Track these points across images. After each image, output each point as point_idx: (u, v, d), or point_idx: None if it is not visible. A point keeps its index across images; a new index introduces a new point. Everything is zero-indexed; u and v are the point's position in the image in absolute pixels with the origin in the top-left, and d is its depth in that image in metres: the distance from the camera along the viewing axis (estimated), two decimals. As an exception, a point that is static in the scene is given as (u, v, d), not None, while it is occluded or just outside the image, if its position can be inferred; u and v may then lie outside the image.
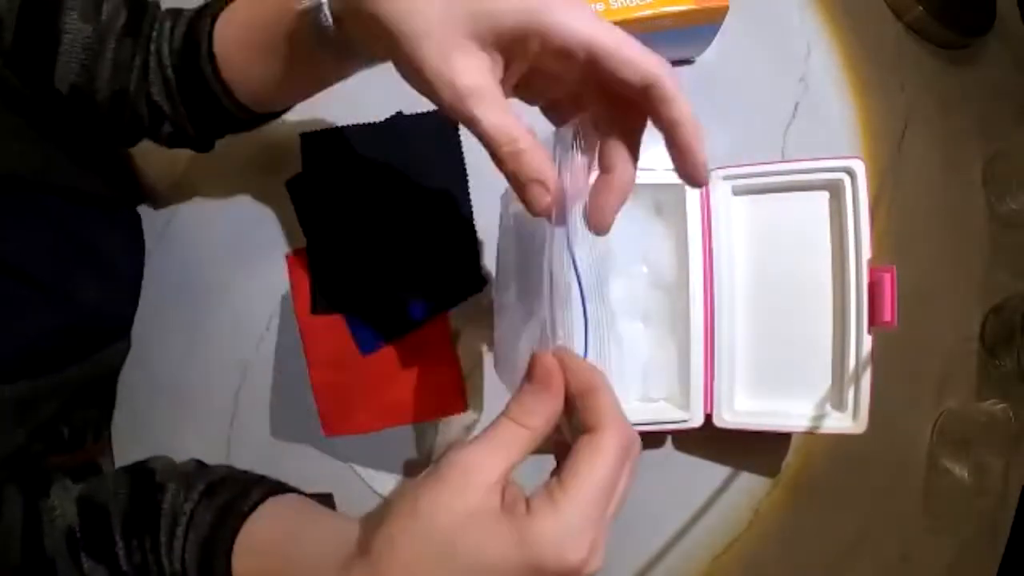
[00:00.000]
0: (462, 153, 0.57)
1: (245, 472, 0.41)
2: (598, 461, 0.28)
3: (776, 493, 0.54)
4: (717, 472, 0.54)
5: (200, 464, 0.42)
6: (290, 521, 0.37)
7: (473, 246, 0.55)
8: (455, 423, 0.53)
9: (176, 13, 0.42)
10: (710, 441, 0.51)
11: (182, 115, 0.43)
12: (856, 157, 0.47)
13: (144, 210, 0.59)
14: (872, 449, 0.54)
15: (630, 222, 0.51)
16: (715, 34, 0.52)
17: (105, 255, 0.53)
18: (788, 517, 0.54)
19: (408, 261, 0.55)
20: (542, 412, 0.29)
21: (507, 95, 0.33)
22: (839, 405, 0.48)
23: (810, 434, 0.48)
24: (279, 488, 0.39)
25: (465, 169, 0.56)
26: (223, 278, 0.57)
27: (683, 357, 0.49)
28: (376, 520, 0.28)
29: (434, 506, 0.26)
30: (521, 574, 0.26)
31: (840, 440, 0.52)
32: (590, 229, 0.33)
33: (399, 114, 0.57)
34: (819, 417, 0.48)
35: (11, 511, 0.38)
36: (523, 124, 0.31)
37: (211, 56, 0.39)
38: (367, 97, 0.58)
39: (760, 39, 0.58)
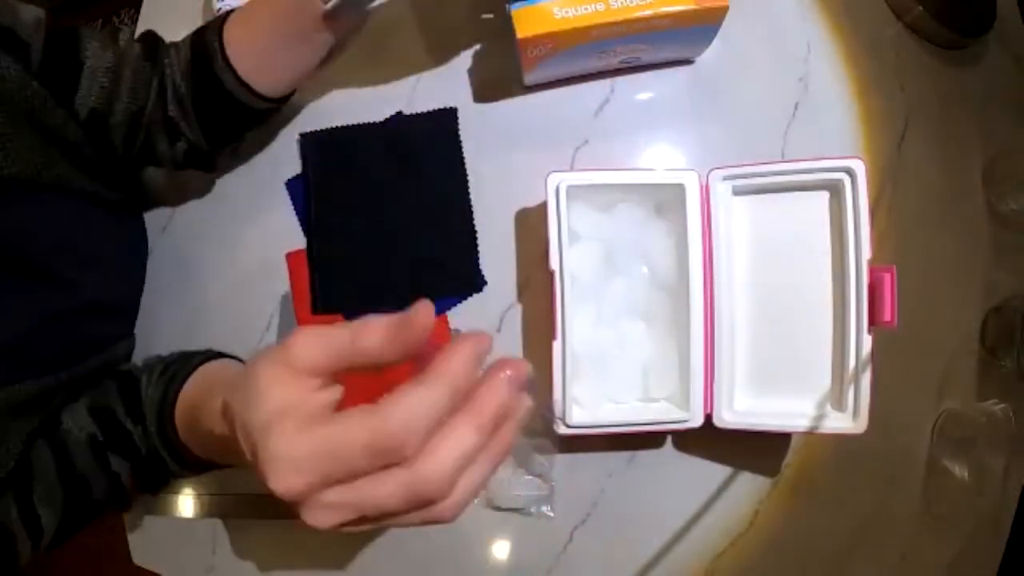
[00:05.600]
0: (462, 153, 0.57)
1: (196, 352, 0.46)
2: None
3: (776, 493, 0.54)
4: (717, 472, 0.54)
5: (157, 357, 0.48)
6: (213, 375, 0.42)
7: (473, 246, 0.55)
8: None
9: (178, 43, 0.48)
10: (710, 441, 0.51)
11: (196, 130, 0.47)
12: (856, 157, 0.47)
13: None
14: (872, 449, 0.54)
15: (630, 222, 0.51)
16: (715, 34, 0.52)
17: (111, 255, 0.53)
18: (788, 517, 0.54)
19: (408, 261, 0.55)
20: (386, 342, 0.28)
21: None
22: (839, 405, 0.48)
23: (810, 434, 0.48)
24: (216, 355, 0.46)
25: (465, 169, 0.56)
26: (223, 278, 0.57)
27: (683, 357, 0.49)
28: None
29: (258, 359, 0.27)
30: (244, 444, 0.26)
31: (840, 440, 0.52)
32: None
33: (399, 114, 0.57)
34: (819, 417, 0.48)
35: (45, 461, 0.42)
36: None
37: (225, 57, 0.44)
38: (367, 97, 0.59)
39: (760, 39, 0.58)
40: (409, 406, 0.24)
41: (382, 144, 0.57)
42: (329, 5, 0.40)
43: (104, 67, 0.43)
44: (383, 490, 0.24)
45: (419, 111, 0.57)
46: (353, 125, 0.57)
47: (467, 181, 0.56)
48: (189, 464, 0.43)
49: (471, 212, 0.56)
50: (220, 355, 0.46)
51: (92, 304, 0.49)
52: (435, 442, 0.24)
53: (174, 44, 0.47)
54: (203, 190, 0.59)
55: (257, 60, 0.45)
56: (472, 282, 0.55)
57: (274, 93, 0.48)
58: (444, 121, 0.57)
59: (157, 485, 0.46)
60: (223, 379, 0.40)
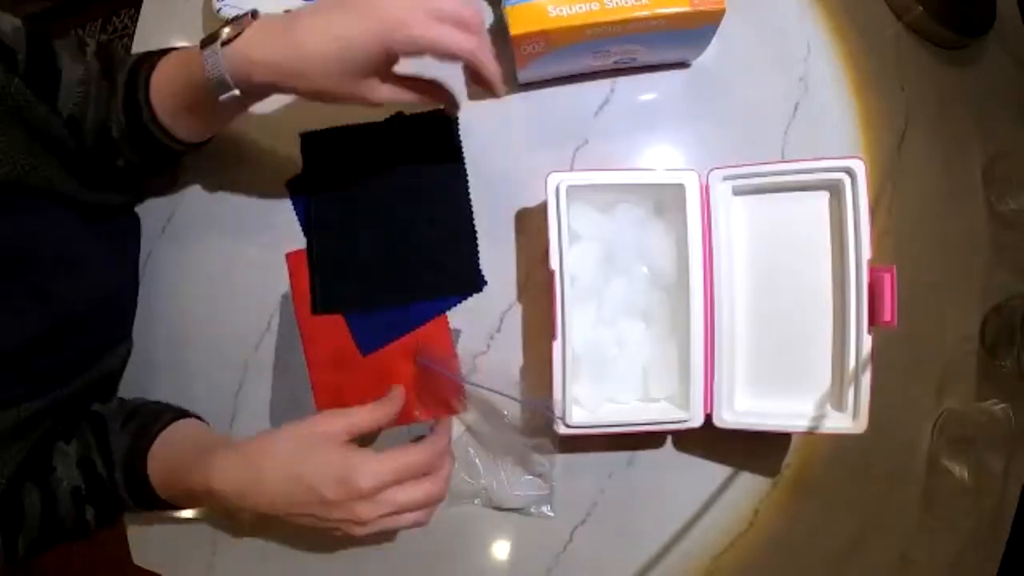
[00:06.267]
0: (462, 153, 0.57)
1: (157, 403, 0.53)
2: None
3: (776, 493, 0.54)
4: (717, 472, 0.54)
5: (123, 399, 0.54)
6: (192, 433, 0.50)
7: (473, 246, 0.55)
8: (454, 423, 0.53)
9: (121, 70, 0.47)
10: (710, 441, 0.51)
11: (133, 154, 0.49)
12: (856, 157, 0.47)
13: (144, 210, 0.60)
14: (872, 449, 0.54)
15: (630, 222, 0.51)
16: (711, 37, 0.52)
17: (103, 260, 0.53)
18: (788, 517, 0.54)
19: (408, 261, 0.55)
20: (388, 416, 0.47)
21: None
22: (839, 405, 0.48)
23: (810, 434, 0.48)
24: (183, 414, 0.52)
25: (465, 169, 0.56)
26: (223, 278, 0.57)
27: (683, 357, 0.49)
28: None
29: (287, 428, 0.44)
30: (333, 478, 0.41)
31: (840, 440, 0.52)
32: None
33: (399, 114, 0.57)
34: (819, 417, 0.48)
35: (32, 505, 0.45)
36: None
37: (150, 109, 0.45)
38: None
39: (760, 39, 0.58)
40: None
41: (383, 145, 0.57)
42: (223, 97, 0.42)
43: (76, 79, 0.45)
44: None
45: (419, 111, 0.57)
46: (354, 125, 0.57)
47: (467, 181, 0.56)
48: (154, 507, 0.48)
49: (471, 212, 0.56)
50: (183, 413, 0.52)
51: (82, 314, 0.49)
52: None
53: (123, 65, 0.47)
54: (203, 190, 0.59)
55: (173, 118, 0.46)
56: (472, 282, 0.55)
57: (198, 140, 0.50)
58: (443, 122, 0.57)
59: (114, 519, 0.50)
60: (205, 447, 0.46)
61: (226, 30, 0.41)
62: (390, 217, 0.56)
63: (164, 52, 0.47)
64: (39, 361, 0.45)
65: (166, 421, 0.49)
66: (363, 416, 0.45)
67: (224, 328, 0.57)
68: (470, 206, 0.56)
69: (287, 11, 0.43)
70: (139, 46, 0.64)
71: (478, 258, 0.55)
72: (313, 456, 0.42)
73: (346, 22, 0.40)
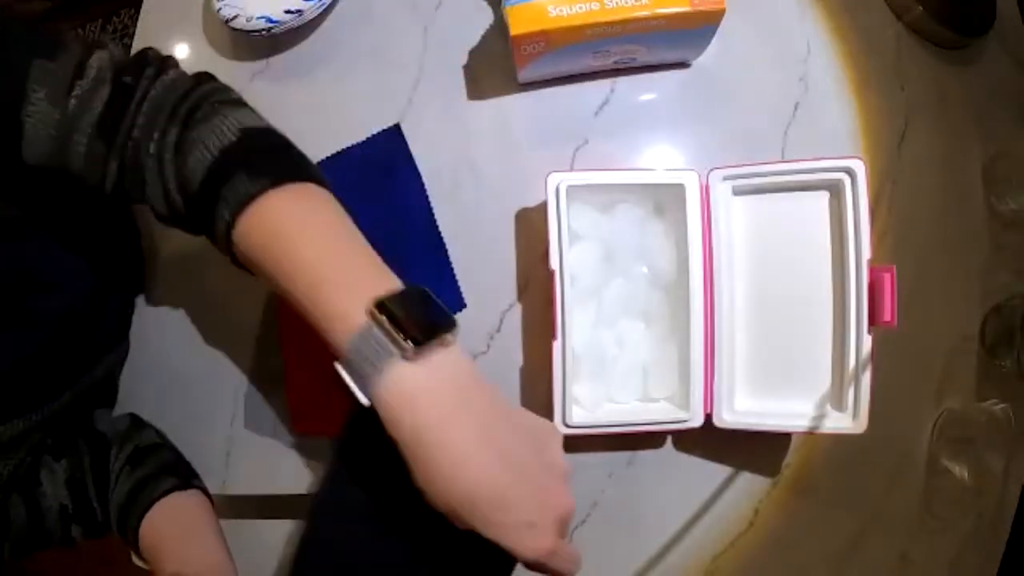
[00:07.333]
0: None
1: (168, 455, 0.53)
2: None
3: (776, 493, 0.54)
4: (717, 472, 0.54)
5: (134, 423, 0.53)
6: (180, 518, 0.49)
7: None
8: None
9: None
10: (710, 441, 0.51)
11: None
12: (856, 157, 0.47)
13: (143, 210, 0.60)
14: (872, 449, 0.54)
15: (630, 222, 0.51)
16: (711, 38, 0.52)
17: (96, 267, 0.52)
18: (788, 517, 0.54)
19: None
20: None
21: None
22: (839, 405, 0.48)
23: (810, 434, 0.48)
24: (184, 484, 0.51)
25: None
26: (222, 278, 0.57)
27: (683, 357, 0.49)
28: None
29: None
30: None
31: (840, 440, 0.52)
32: None
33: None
34: (819, 417, 0.48)
35: (18, 516, 0.46)
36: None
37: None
38: (368, 98, 0.58)
39: (760, 39, 0.58)
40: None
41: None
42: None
43: (46, 135, 0.35)
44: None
45: (419, 111, 0.57)
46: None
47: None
48: (136, 552, 0.49)
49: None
50: (186, 481, 0.51)
51: (71, 329, 0.48)
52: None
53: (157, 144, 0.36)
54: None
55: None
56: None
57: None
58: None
59: (103, 535, 0.51)
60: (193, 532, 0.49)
61: (427, 347, 0.31)
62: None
63: (276, 174, 0.35)
64: (27, 379, 0.45)
65: (167, 488, 0.50)
66: None
67: (223, 328, 0.57)
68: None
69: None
70: (139, 46, 0.64)
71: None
72: None
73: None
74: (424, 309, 0.32)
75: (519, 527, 0.30)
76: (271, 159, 0.37)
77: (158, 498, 0.49)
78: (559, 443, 0.34)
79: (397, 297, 0.32)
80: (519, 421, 0.33)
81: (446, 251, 0.55)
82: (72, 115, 0.35)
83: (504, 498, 0.30)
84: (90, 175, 0.37)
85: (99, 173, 0.37)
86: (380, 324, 0.30)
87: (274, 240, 0.34)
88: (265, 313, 0.56)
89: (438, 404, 0.30)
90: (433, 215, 0.55)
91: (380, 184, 0.55)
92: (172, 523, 0.49)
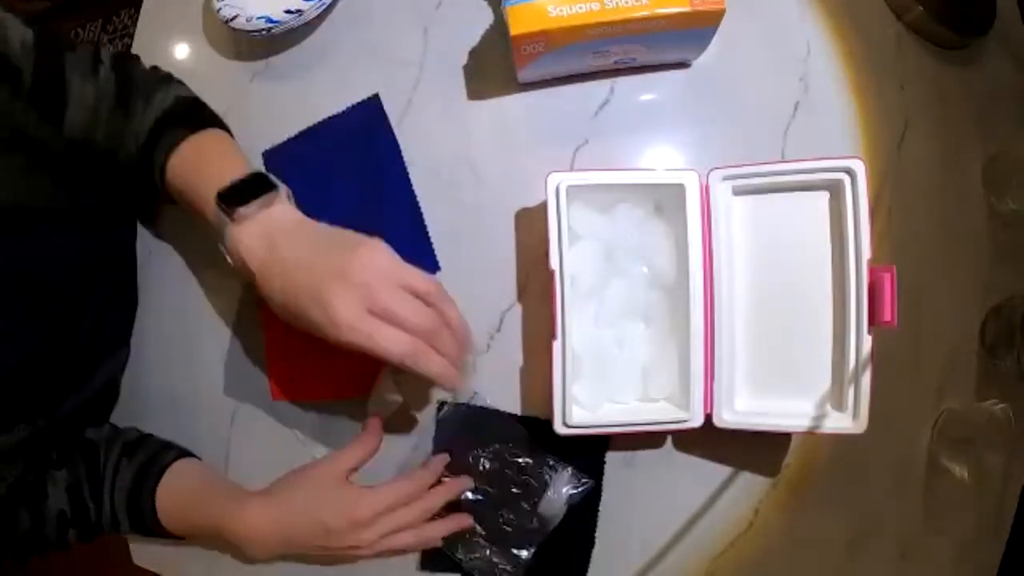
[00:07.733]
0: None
1: (158, 439, 0.54)
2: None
3: (776, 493, 0.54)
4: (717, 472, 0.54)
5: (114, 427, 0.55)
6: (200, 473, 0.53)
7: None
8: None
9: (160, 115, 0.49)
10: (710, 441, 0.51)
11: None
12: (856, 157, 0.47)
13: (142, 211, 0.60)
14: (872, 449, 0.54)
15: (630, 222, 0.51)
16: (711, 38, 0.52)
17: (99, 275, 0.53)
18: (788, 517, 0.54)
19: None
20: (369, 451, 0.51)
21: None
22: (839, 405, 0.48)
23: (810, 434, 0.48)
24: (186, 452, 0.54)
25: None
26: (222, 279, 0.57)
27: (683, 357, 0.49)
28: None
29: (296, 480, 0.50)
30: (339, 512, 0.47)
31: (840, 440, 0.52)
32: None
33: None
34: (819, 417, 0.48)
35: (23, 525, 0.48)
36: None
37: (163, 173, 0.47)
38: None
39: (760, 39, 0.58)
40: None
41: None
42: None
43: (85, 104, 0.46)
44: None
45: (419, 111, 0.57)
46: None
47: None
48: (152, 534, 0.51)
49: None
50: (185, 451, 0.54)
51: (78, 335, 0.49)
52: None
53: (141, 92, 0.49)
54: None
55: (180, 196, 0.48)
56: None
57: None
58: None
59: (93, 539, 0.52)
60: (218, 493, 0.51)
61: (241, 209, 0.43)
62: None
63: (191, 124, 0.48)
64: (34, 382, 0.45)
65: (172, 457, 0.52)
66: (350, 455, 0.50)
67: (223, 328, 0.57)
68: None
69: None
70: (139, 46, 0.64)
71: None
72: (326, 499, 0.48)
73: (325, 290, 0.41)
74: (244, 186, 0.44)
75: (351, 324, 0.40)
76: (190, 116, 0.50)
77: (167, 465, 0.51)
78: (369, 246, 0.43)
79: (235, 184, 0.44)
80: (326, 240, 0.44)
81: (422, 216, 0.56)
82: (101, 88, 0.47)
83: (319, 296, 0.40)
84: (109, 139, 0.48)
85: (116, 143, 0.48)
86: (218, 203, 0.43)
87: (184, 165, 0.47)
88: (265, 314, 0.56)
89: (255, 248, 0.43)
90: (410, 181, 0.56)
91: (360, 151, 0.57)
92: (191, 482, 0.51)
